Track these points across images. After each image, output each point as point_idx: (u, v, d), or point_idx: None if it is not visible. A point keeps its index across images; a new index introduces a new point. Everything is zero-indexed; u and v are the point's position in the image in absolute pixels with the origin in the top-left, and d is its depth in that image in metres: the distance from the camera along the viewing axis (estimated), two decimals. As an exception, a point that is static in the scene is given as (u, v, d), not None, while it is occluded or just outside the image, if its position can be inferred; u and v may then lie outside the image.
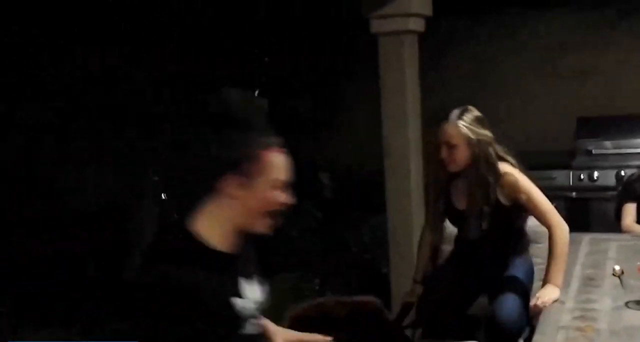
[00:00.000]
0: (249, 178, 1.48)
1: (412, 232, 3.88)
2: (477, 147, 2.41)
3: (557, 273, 2.33)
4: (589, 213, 4.51)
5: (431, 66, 4.78)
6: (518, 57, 5.22)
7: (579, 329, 1.95)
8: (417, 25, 3.82)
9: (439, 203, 2.62)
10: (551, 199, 4.45)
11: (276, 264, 3.84)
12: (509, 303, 2.42)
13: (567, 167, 4.61)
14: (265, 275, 3.74)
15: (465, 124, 2.40)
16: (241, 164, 1.47)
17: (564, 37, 5.10)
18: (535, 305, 2.21)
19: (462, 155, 2.43)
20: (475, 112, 2.46)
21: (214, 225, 1.50)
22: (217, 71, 3.79)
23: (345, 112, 4.69)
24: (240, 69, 3.88)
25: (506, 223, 2.55)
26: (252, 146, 1.49)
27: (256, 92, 3.81)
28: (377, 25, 3.74)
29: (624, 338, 1.87)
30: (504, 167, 2.47)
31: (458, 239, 2.71)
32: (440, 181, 2.59)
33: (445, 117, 2.43)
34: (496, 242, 2.56)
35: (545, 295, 2.23)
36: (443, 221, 2.70)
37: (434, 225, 2.71)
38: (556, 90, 5.13)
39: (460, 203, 2.56)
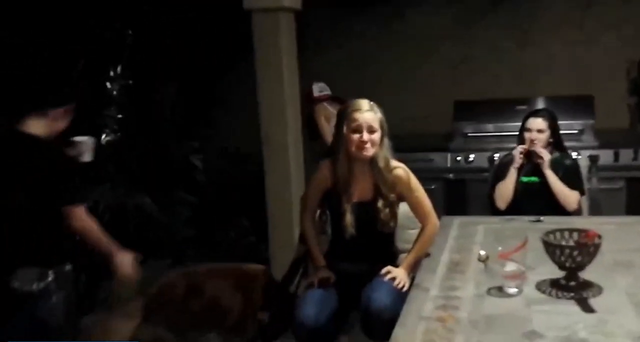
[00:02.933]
0: None
1: (292, 217, 3.79)
2: (384, 135, 2.48)
3: (410, 260, 2.51)
4: (465, 194, 4.61)
5: (311, 51, 4.67)
6: (401, 41, 5.23)
7: (440, 319, 1.91)
8: (293, 2, 3.67)
9: (340, 194, 2.52)
10: (430, 180, 4.62)
11: (146, 251, 3.61)
12: (382, 290, 2.38)
13: (444, 149, 4.68)
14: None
15: (378, 111, 2.47)
16: None
17: (446, 23, 5.15)
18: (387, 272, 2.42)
19: (378, 140, 2.46)
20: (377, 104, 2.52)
21: None
22: (73, 45, 3.46)
23: (221, 92, 4.49)
24: (99, 45, 3.57)
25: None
26: None
27: (118, 69, 3.53)
28: (250, 1, 3.55)
29: (482, 327, 1.84)
30: (392, 161, 2.53)
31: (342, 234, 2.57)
32: (343, 171, 2.50)
33: (357, 107, 2.45)
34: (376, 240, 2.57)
35: (392, 271, 2.45)
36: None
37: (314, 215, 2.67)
38: (434, 75, 5.20)
39: (356, 196, 2.51)
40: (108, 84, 3.72)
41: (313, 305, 2.41)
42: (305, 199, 2.68)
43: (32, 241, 2.38)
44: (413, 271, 2.47)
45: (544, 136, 3.32)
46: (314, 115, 4.50)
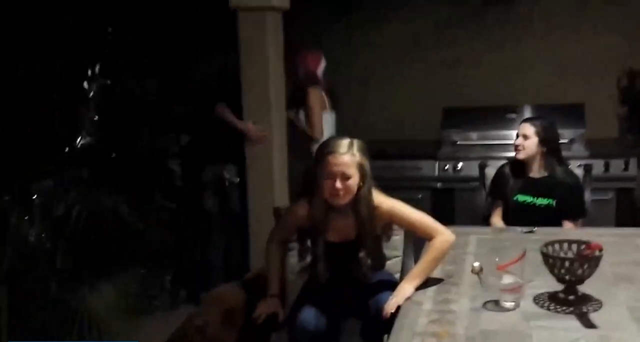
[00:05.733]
0: None
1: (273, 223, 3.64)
2: (366, 177, 2.25)
3: (418, 273, 2.22)
4: (453, 203, 4.51)
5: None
6: (387, 46, 5.12)
7: (434, 334, 1.79)
8: (281, 2, 3.56)
9: (317, 239, 2.37)
10: (417, 189, 4.51)
11: (123, 260, 3.45)
12: (386, 297, 2.22)
13: (432, 157, 4.58)
14: (111, 272, 3.34)
15: (358, 153, 2.23)
16: None
17: (433, 27, 5.06)
18: (385, 310, 2.10)
19: (354, 186, 2.24)
20: (360, 142, 2.28)
21: None
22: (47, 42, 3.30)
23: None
24: (77, 41, 3.41)
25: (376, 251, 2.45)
26: None
27: (97, 69, 3.37)
28: (237, -1, 3.44)
29: (479, 344, 1.73)
30: (375, 196, 2.31)
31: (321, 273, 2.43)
32: (319, 215, 2.32)
33: (332, 149, 2.22)
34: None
35: (395, 295, 2.14)
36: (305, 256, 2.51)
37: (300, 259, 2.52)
38: (424, 80, 5.09)
39: (336, 236, 2.36)
40: (85, 84, 3.55)
41: (312, 310, 2.29)
42: (274, 232, 2.51)
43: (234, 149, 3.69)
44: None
45: (530, 143, 3.08)
46: (307, 97, 3.80)
